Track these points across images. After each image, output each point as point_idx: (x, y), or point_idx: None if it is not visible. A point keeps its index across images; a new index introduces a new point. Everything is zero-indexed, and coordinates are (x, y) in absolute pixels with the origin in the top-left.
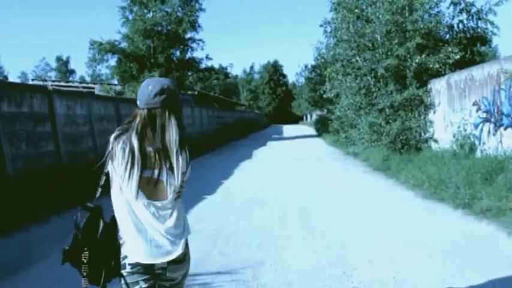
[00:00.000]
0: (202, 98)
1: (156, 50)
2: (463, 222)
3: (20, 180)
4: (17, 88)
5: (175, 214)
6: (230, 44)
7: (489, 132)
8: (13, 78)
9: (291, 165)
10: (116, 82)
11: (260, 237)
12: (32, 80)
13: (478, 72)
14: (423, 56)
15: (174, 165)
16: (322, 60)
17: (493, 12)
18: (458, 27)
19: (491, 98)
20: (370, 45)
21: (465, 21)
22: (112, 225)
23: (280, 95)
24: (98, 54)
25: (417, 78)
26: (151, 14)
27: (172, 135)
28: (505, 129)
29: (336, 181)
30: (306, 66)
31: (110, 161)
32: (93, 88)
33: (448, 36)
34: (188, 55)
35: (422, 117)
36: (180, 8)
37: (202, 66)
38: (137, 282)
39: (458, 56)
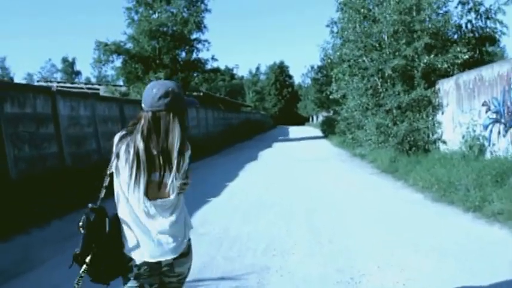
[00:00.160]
0: (207, 99)
1: (162, 50)
2: (474, 226)
3: (22, 182)
4: (20, 89)
5: (177, 211)
6: (236, 45)
7: (499, 133)
8: (19, 79)
9: (296, 167)
10: (121, 83)
11: (265, 241)
12: (37, 81)
13: (487, 72)
14: (431, 56)
15: (174, 167)
16: (329, 60)
17: (502, 11)
18: (466, 26)
19: (501, 99)
20: (377, 45)
21: (473, 21)
22: (116, 224)
23: (286, 96)
24: (103, 55)
25: (425, 78)
26: (156, 14)
27: (175, 137)
28: None
29: (343, 183)
30: (312, 67)
31: (114, 163)
32: (98, 89)
33: (456, 36)
34: (194, 56)
35: (430, 118)
36: (185, 9)
37: (208, 67)
38: (142, 286)
39: (467, 56)
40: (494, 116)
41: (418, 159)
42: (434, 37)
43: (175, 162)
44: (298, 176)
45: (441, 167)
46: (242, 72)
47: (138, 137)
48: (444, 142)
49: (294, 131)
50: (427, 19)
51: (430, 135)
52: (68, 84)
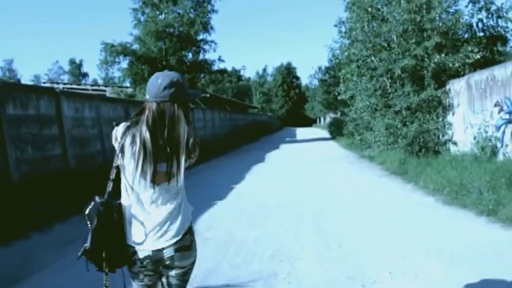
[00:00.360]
0: (214, 101)
1: (168, 51)
2: (489, 230)
3: (25, 184)
4: (23, 90)
5: (178, 198)
6: (243, 46)
7: None
8: (26, 81)
9: (304, 169)
10: (128, 85)
11: (272, 246)
12: (44, 83)
13: (500, 71)
14: (442, 55)
15: (182, 158)
16: (337, 61)
17: None
18: (477, 25)
19: None
20: (386, 45)
21: (484, 20)
22: (120, 214)
23: (293, 98)
24: (110, 56)
25: (435, 78)
26: (163, 15)
27: (181, 128)
28: None
29: (351, 185)
30: (319, 68)
31: (119, 155)
32: (104, 91)
33: (466, 35)
34: (200, 57)
35: (440, 119)
36: (192, 10)
37: (215, 68)
38: (142, 280)
39: (478, 56)
40: (507, 116)
41: (428, 161)
42: (445, 36)
43: (182, 152)
44: (306, 178)
45: (452, 169)
46: (249, 73)
47: (144, 128)
48: (455, 143)
49: (301, 132)
50: (437, 18)
51: (440, 137)
52: (75, 86)
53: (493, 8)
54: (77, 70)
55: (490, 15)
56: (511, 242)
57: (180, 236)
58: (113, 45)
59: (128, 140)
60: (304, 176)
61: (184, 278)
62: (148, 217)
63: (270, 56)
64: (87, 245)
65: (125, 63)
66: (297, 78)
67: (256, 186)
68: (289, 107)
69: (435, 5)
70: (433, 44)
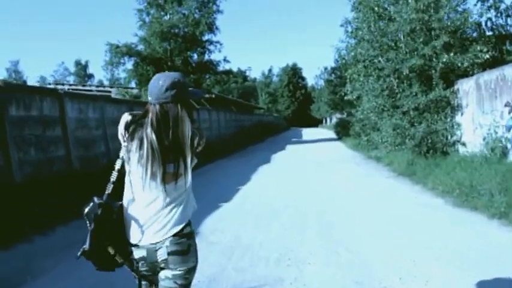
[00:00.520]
0: (220, 102)
1: (173, 52)
2: (501, 234)
3: (27, 186)
4: (26, 91)
5: (183, 197)
6: (248, 47)
7: None
8: (32, 82)
9: (310, 170)
10: (133, 86)
11: (279, 250)
12: (49, 84)
13: (510, 71)
14: (451, 55)
15: (188, 158)
16: (343, 61)
17: None
18: (486, 25)
19: None
20: (393, 44)
21: (493, 19)
22: (121, 215)
23: (299, 98)
24: (115, 57)
25: (443, 78)
26: (168, 16)
27: (185, 128)
28: None
29: (358, 187)
30: (325, 69)
31: (125, 158)
32: (109, 92)
33: (475, 35)
34: (205, 58)
35: (448, 120)
36: (197, 10)
37: (220, 69)
38: (146, 277)
39: (487, 56)
40: None
41: (436, 162)
42: (453, 35)
43: (188, 151)
44: (312, 180)
45: (462, 170)
46: (255, 74)
47: (149, 130)
48: (463, 144)
49: (308, 133)
50: (446, 17)
51: (449, 137)
52: (80, 87)
53: (502, 6)
54: (82, 71)
55: (499, 14)
56: None
57: (177, 229)
58: (117, 46)
59: (135, 143)
60: (310, 177)
61: (181, 282)
62: (152, 215)
63: (275, 56)
64: (86, 246)
65: (130, 64)
66: (303, 78)
67: (262, 187)
68: (295, 108)
69: (443, 3)
70: (441, 44)
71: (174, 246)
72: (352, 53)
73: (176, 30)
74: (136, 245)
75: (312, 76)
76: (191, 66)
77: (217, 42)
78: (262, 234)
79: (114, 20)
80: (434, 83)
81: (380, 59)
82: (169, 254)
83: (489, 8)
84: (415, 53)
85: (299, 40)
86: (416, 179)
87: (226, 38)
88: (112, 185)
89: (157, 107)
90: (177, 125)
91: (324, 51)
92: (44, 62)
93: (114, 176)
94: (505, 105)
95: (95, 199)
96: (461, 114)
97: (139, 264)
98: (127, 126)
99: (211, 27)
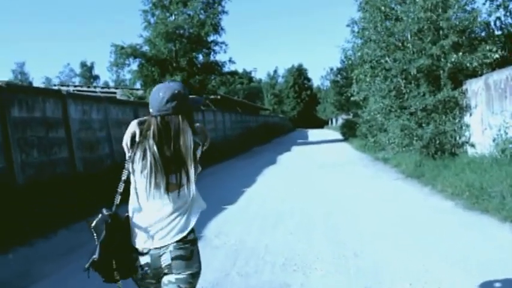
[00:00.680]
0: (225, 103)
1: (178, 53)
2: None
3: (30, 188)
4: (28, 92)
5: (187, 205)
6: (254, 48)
7: None
8: (37, 84)
9: (317, 172)
10: (139, 87)
11: (285, 255)
12: (54, 85)
13: None
14: (460, 54)
15: (191, 169)
16: (349, 61)
17: None
18: (495, 24)
19: None
20: (400, 44)
21: (502, 18)
22: (128, 226)
23: (305, 99)
24: (120, 58)
25: (451, 78)
26: (173, 17)
27: (187, 139)
28: None
29: (366, 189)
30: (331, 69)
31: (130, 170)
32: (114, 93)
33: (483, 34)
34: (211, 58)
35: (457, 120)
36: (202, 11)
37: (225, 69)
38: (148, 286)
39: (497, 55)
40: None
41: (445, 164)
42: (461, 35)
43: (190, 162)
44: (319, 182)
45: (471, 172)
46: (260, 75)
47: (151, 142)
48: (472, 145)
49: (314, 134)
50: (454, 17)
51: (457, 138)
52: (85, 88)
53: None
54: (88, 73)
55: (508, 13)
56: None
57: (181, 236)
58: (122, 47)
59: (138, 154)
60: (316, 179)
61: (185, 286)
62: (157, 224)
63: (281, 57)
64: (96, 256)
65: (134, 65)
66: (309, 79)
67: (267, 189)
68: (301, 109)
69: (452, 3)
70: (449, 43)
71: (177, 251)
72: (359, 54)
73: (181, 31)
74: (141, 252)
75: (318, 77)
76: (196, 67)
77: (223, 43)
78: (268, 237)
79: (120, 21)
80: (442, 83)
81: (387, 59)
82: (172, 259)
83: (498, 7)
84: (423, 52)
85: (304, 41)
86: (425, 181)
87: (232, 39)
88: (120, 196)
89: (159, 119)
90: (178, 136)
91: (330, 52)
92: (49, 63)
93: (121, 187)
94: None
95: (104, 211)
96: (470, 114)
97: (145, 270)
98: (133, 137)
99: (217, 28)
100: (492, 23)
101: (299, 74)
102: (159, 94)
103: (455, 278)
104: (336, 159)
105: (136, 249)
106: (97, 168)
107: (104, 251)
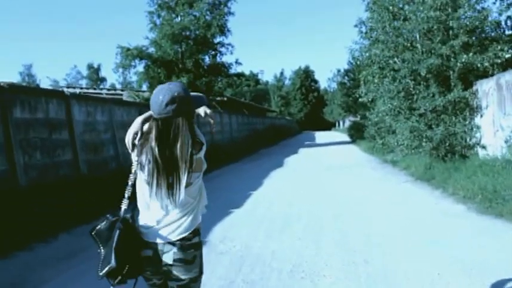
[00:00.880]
0: (232, 104)
1: (184, 55)
2: None
3: (32, 191)
4: (31, 93)
5: (187, 207)
6: (261, 50)
7: None
8: (44, 86)
9: (324, 175)
10: (145, 89)
11: (292, 261)
12: (60, 87)
13: None
14: (470, 54)
15: (183, 173)
16: (357, 62)
17: None
18: (506, 23)
19: None
20: (409, 45)
21: None
22: (135, 227)
23: (311, 101)
24: (125, 60)
25: (461, 79)
26: (179, 18)
27: (184, 142)
28: None
29: (375, 192)
30: (338, 71)
31: (137, 170)
32: (121, 95)
33: (494, 34)
34: (217, 60)
35: (467, 122)
36: (208, 12)
37: (232, 71)
38: (151, 279)
39: (509, 55)
40: None
41: (455, 166)
42: (471, 35)
43: (184, 167)
44: (327, 184)
45: (483, 174)
46: (267, 77)
47: (153, 144)
48: (483, 147)
49: (321, 136)
50: (463, 16)
51: (468, 140)
52: (91, 91)
53: None
54: (95, 75)
55: None
56: None
57: (186, 234)
58: (128, 49)
59: (143, 156)
60: (324, 182)
61: None
62: (162, 223)
63: (287, 59)
64: (113, 265)
65: (140, 67)
66: (315, 81)
67: (274, 192)
68: (308, 111)
69: (462, 2)
70: (459, 43)
71: (181, 255)
72: (367, 54)
73: (187, 33)
74: (146, 245)
75: (325, 79)
76: (203, 69)
77: (229, 44)
78: (275, 242)
79: (126, 23)
80: (452, 83)
81: (396, 59)
82: (174, 260)
83: (509, 5)
84: (432, 52)
85: (311, 43)
86: (436, 184)
87: (238, 40)
88: (127, 201)
89: (159, 121)
90: (176, 139)
91: (337, 53)
92: (56, 65)
93: (128, 191)
94: None
95: (109, 217)
96: (481, 116)
97: (145, 263)
98: (134, 137)
99: (223, 30)
100: (503, 22)
101: (306, 76)
102: (159, 97)
103: (471, 286)
104: (344, 162)
105: (142, 244)
106: (101, 170)
107: (119, 257)
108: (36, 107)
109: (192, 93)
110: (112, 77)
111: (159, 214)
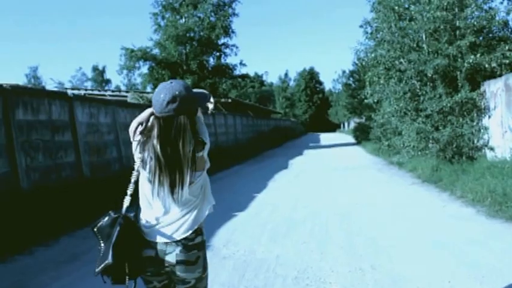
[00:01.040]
0: (236, 106)
1: (189, 56)
2: None
3: (34, 193)
4: (34, 94)
5: (190, 205)
6: (265, 51)
7: None
8: (50, 88)
9: (330, 177)
10: (149, 90)
11: (297, 267)
12: (66, 89)
13: None
14: (478, 55)
15: (186, 171)
16: (363, 62)
17: None
18: None
19: None
20: (415, 45)
21: None
22: (136, 226)
23: (316, 103)
24: (130, 61)
25: (469, 79)
26: (183, 20)
27: (186, 141)
28: None
29: (382, 195)
30: (343, 72)
31: (140, 167)
32: (125, 96)
33: (501, 33)
34: (222, 61)
35: (475, 123)
36: (213, 13)
37: (236, 72)
38: (151, 282)
39: None
40: None
41: (463, 168)
42: (479, 35)
43: (187, 164)
44: (332, 187)
45: (492, 176)
46: (272, 78)
47: (155, 142)
48: (492, 149)
49: (326, 137)
50: (470, 16)
51: (475, 142)
52: (96, 92)
53: None
54: (100, 77)
55: None
56: None
57: (189, 233)
58: (132, 50)
59: (146, 154)
60: (330, 184)
61: None
62: (164, 221)
63: (292, 60)
64: (109, 261)
65: (145, 69)
66: (320, 83)
67: (279, 195)
68: (313, 112)
69: (469, 2)
70: (467, 44)
71: (184, 256)
72: (372, 55)
73: (192, 34)
74: (148, 244)
75: (330, 80)
76: (207, 70)
77: (233, 45)
78: (279, 247)
79: (132, 24)
80: (459, 84)
81: (402, 60)
82: (177, 262)
83: None
84: (439, 53)
85: (316, 44)
86: (443, 186)
87: (243, 41)
88: (130, 198)
89: (161, 120)
90: (178, 138)
91: (341, 54)
92: (62, 67)
93: (131, 188)
94: None
95: (111, 213)
96: (489, 117)
97: (147, 264)
98: (139, 125)
99: (227, 31)
100: (511, 22)
101: (311, 77)
102: (160, 96)
103: None
104: (349, 163)
105: (143, 244)
106: (104, 172)
107: (117, 254)
108: (38, 109)
109: (194, 90)
110: (117, 79)
111: (160, 212)
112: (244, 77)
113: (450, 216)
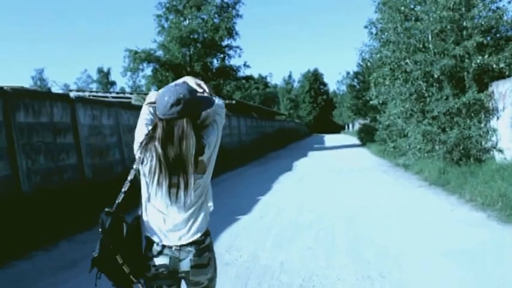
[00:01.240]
0: (240, 108)
1: (193, 58)
2: None
3: (36, 197)
4: (35, 96)
5: (194, 207)
6: (269, 53)
7: None
8: (56, 90)
9: (335, 179)
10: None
11: (302, 274)
12: (70, 91)
13: None
14: (485, 56)
15: (190, 174)
16: (368, 63)
17: None
18: None
19: None
20: (421, 46)
21: None
22: (136, 227)
23: (321, 104)
24: (133, 63)
25: (476, 80)
26: (187, 21)
27: (189, 144)
28: None
29: (388, 198)
30: (347, 73)
31: (140, 168)
32: (129, 98)
33: (509, 33)
34: (225, 63)
35: (483, 124)
36: (216, 15)
37: (240, 74)
38: (161, 287)
39: None
40: None
41: (471, 171)
42: (486, 35)
43: (191, 167)
44: (338, 189)
45: (502, 179)
46: (276, 80)
47: (157, 144)
48: (500, 151)
49: (330, 139)
50: (478, 16)
51: (483, 143)
52: (100, 94)
53: None
54: (105, 79)
55: None
56: None
57: (197, 236)
58: (136, 52)
59: (147, 154)
60: (335, 186)
61: None
62: (166, 222)
63: (296, 62)
64: (95, 253)
65: (148, 71)
66: (324, 84)
67: (283, 198)
68: (317, 114)
69: (476, 1)
70: (474, 44)
71: (197, 261)
72: (377, 56)
73: (195, 36)
74: (158, 252)
75: (334, 81)
76: (211, 72)
77: (237, 47)
78: (283, 253)
79: (137, 26)
80: (466, 85)
81: (407, 61)
82: (192, 267)
83: None
84: (445, 53)
85: (320, 45)
86: (451, 189)
87: (247, 43)
88: (123, 195)
89: (164, 122)
90: (181, 141)
91: (346, 55)
92: (67, 70)
93: (126, 185)
94: None
95: (106, 209)
96: (497, 118)
97: (160, 271)
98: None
99: (231, 32)
100: None
101: (315, 79)
102: (165, 98)
103: None
104: (355, 165)
105: (151, 248)
106: (107, 175)
107: (104, 248)
108: (40, 111)
109: (198, 94)
110: (122, 81)
111: (162, 216)
112: (248, 78)
113: (460, 221)
